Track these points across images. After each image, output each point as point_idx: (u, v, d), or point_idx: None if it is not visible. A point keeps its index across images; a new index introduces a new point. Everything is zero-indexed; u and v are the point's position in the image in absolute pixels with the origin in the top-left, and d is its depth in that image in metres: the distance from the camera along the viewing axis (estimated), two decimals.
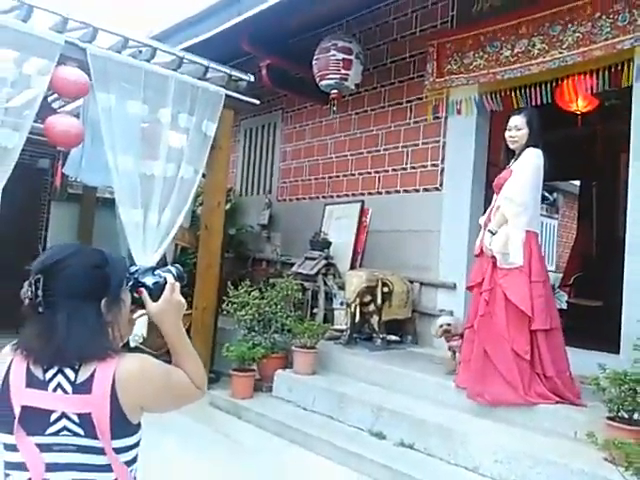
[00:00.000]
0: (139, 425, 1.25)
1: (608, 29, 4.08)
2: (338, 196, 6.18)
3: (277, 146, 7.16)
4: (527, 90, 4.52)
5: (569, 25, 4.31)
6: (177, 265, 1.46)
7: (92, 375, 1.17)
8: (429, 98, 5.22)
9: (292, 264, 5.90)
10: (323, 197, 6.37)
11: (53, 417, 1.16)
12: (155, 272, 1.37)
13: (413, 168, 5.43)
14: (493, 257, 3.40)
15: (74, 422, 1.16)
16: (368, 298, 4.69)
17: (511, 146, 3.52)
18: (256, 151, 7.54)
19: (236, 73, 4.62)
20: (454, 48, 5.09)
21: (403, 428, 3.49)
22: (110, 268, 1.26)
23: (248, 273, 6.60)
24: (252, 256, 7.01)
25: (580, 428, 3.07)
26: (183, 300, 1.39)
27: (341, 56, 5.10)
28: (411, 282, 5.15)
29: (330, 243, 5.65)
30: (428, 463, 3.23)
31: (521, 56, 4.61)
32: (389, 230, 5.54)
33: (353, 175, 6.03)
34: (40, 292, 1.18)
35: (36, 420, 1.17)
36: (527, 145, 3.44)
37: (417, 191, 5.40)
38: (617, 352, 3.87)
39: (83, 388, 1.17)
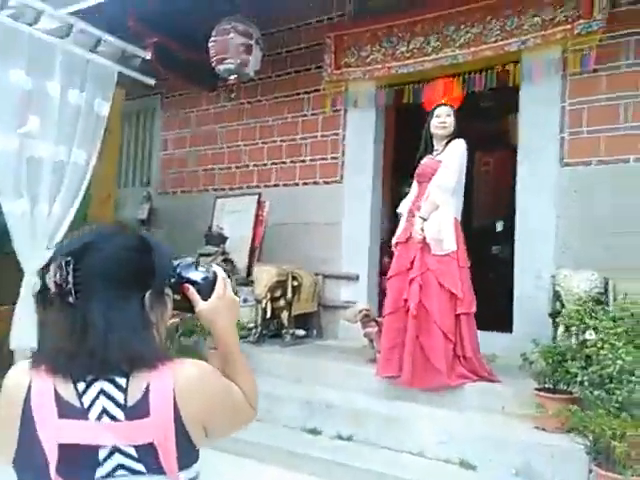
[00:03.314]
0: (199, 450, 1.00)
1: (498, 32, 4.45)
2: (231, 189, 5.89)
3: (156, 134, 6.60)
4: (420, 85, 4.72)
5: (462, 26, 4.61)
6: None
7: (146, 392, 0.91)
8: (327, 90, 5.22)
9: None
10: (213, 190, 6.02)
11: (102, 454, 0.90)
12: (197, 267, 1.14)
13: (312, 160, 5.38)
14: (422, 243, 3.48)
15: (131, 457, 0.90)
16: (279, 293, 4.55)
17: (440, 132, 3.60)
18: (131, 138, 6.86)
19: (131, 48, 4.12)
20: (351, 41, 5.16)
21: (338, 421, 3.43)
22: (155, 254, 1.02)
23: None
24: None
25: (507, 402, 3.30)
26: (237, 298, 1.18)
27: (241, 40, 4.79)
28: (315, 275, 5.10)
29: (226, 238, 5.35)
30: (369, 452, 3.20)
31: (416, 52, 4.83)
32: (289, 223, 5.41)
33: (247, 167, 5.78)
34: (71, 278, 0.92)
35: (79, 461, 0.89)
36: (453, 135, 3.58)
37: (317, 183, 5.36)
38: (510, 331, 4.23)
39: (138, 411, 0.91)
